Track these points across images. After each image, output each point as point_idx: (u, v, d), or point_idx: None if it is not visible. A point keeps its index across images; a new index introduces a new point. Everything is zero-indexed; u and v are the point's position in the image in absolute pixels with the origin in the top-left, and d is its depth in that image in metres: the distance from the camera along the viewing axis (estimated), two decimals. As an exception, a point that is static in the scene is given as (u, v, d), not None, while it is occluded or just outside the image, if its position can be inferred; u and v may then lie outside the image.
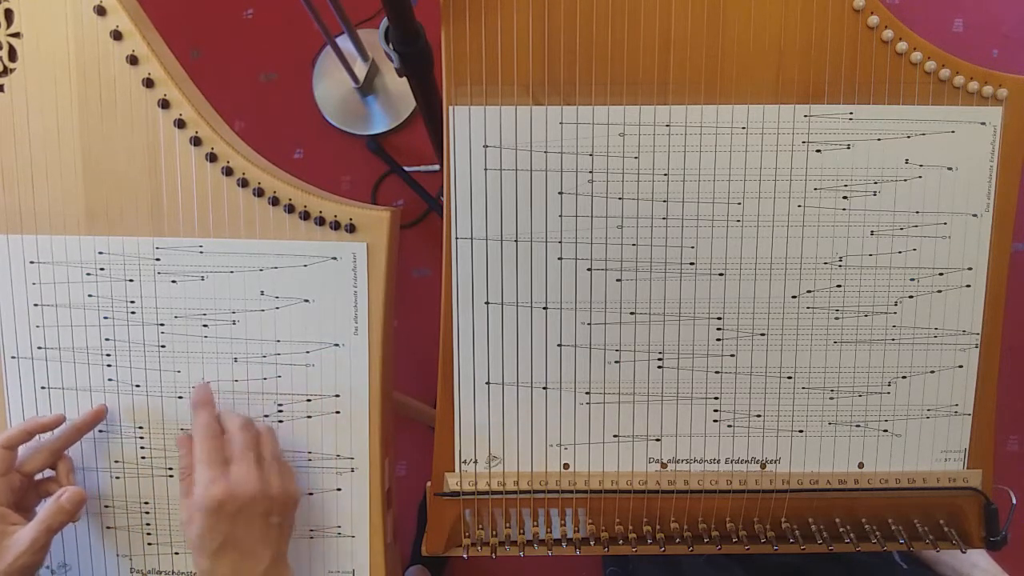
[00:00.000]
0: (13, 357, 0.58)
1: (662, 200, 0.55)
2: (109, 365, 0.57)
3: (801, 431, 0.57)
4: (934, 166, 0.55)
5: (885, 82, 0.54)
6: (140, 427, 0.58)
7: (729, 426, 0.57)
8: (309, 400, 0.57)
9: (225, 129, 0.56)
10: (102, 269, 0.56)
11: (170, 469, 0.58)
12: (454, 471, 0.58)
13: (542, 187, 0.54)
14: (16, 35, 0.55)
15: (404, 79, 0.61)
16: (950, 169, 0.55)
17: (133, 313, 0.57)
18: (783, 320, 0.56)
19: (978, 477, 0.58)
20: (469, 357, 0.56)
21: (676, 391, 0.57)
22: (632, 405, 0.57)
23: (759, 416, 0.57)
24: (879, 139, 0.54)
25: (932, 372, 0.57)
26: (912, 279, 0.56)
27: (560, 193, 0.55)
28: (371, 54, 1.35)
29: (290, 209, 0.55)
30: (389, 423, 0.59)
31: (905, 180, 0.55)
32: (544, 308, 0.56)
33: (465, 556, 0.58)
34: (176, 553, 0.59)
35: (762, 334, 0.56)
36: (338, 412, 0.57)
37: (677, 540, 0.58)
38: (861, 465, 0.58)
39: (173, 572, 0.59)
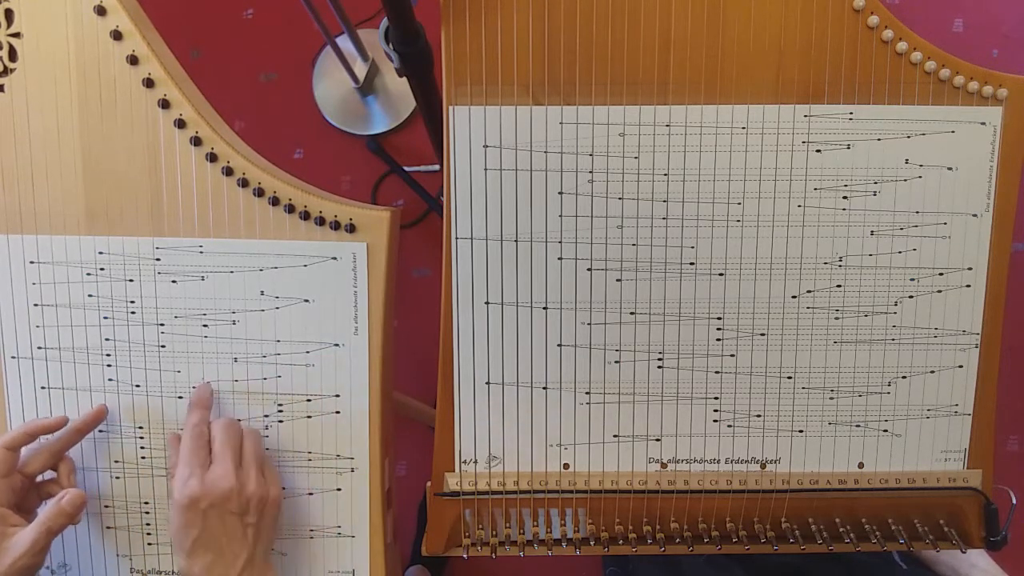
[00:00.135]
0: (13, 357, 0.58)
1: (662, 200, 0.55)
2: (109, 365, 0.57)
3: (801, 431, 0.57)
4: (934, 166, 0.55)
5: (885, 82, 0.54)
6: (140, 427, 0.58)
7: (729, 426, 0.57)
8: (309, 400, 0.57)
9: (225, 129, 0.56)
10: (102, 269, 0.56)
11: (170, 469, 0.58)
12: (454, 471, 0.58)
13: (542, 187, 0.54)
14: (16, 35, 0.55)
15: (404, 79, 0.61)
16: (950, 169, 0.55)
17: (133, 313, 0.57)
18: (783, 320, 0.56)
19: (978, 477, 0.58)
20: (469, 357, 0.56)
21: (676, 391, 0.57)
22: (632, 405, 0.57)
23: (759, 416, 0.57)
24: (879, 139, 0.54)
25: (932, 372, 0.57)
26: (912, 279, 0.56)
27: (560, 193, 0.55)
28: (371, 54, 1.35)
29: (290, 209, 0.55)
30: (389, 423, 0.59)
31: (905, 180, 0.55)
32: (544, 308, 0.56)
33: (465, 556, 0.58)
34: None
35: (762, 334, 0.56)
36: (338, 412, 0.57)
37: (677, 540, 0.58)
38: (861, 465, 0.58)
39: (173, 572, 0.59)
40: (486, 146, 0.54)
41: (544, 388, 0.57)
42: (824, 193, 0.55)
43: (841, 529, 0.58)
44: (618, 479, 0.58)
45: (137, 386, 0.57)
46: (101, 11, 0.54)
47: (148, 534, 0.59)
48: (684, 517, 0.58)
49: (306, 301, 0.56)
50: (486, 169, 0.54)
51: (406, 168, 1.34)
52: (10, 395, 0.58)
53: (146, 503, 0.59)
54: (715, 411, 0.57)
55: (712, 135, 0.54)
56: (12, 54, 0.55)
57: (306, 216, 0.55)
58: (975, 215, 0.56)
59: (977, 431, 0.58)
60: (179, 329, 0.57)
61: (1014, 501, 0.59)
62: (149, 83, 0.54)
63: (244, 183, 0.55)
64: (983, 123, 0.54)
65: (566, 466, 0.58)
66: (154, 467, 0.58)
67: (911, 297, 0.56)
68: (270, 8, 1.44)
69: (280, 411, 0.57)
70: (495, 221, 0.55)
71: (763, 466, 0.58)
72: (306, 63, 1.42)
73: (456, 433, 0.57)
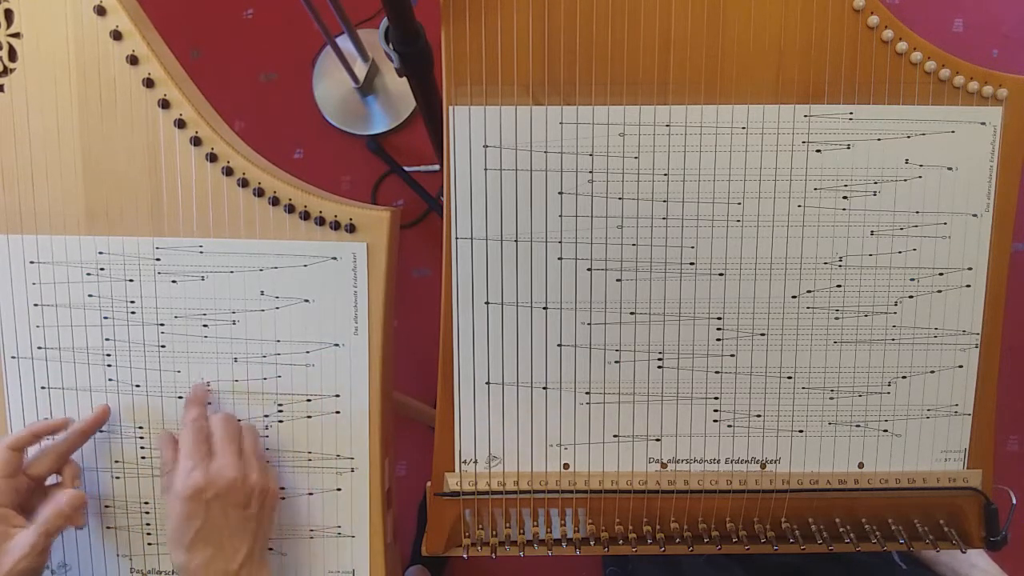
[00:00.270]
0: (13, 357, 0.58)
1: (662, 200, 0.55)
2: (109, 365, 0.57)
3: (801, 431, 0.57)
4: (934, 166, 0.55)
5: (885, 82, 0.54)
6: (140, 427, 0.58)
7: (729, 426, 0.57)
8: (309, 400, 0.57)
9: (225, 129, 0.56)
10: (102, 269, 0.56)
11: (170, 469, 0.58)
12: (454, 471, 0.58)
13: (542, 187, 0.54)
14: (16, 35, 0.55)
15: (404, 79, 0.61)
16: (950, 169, 0.55)
17: (133, 313, 0.57)
18: (783, 320, 0.56)
19: (978, 477, 0.58)
20: (469, 357, 0.56)
21: (676, 391, 0.57)
22: (632, 405, 0.57)
23: (759, 416, 0.57)
24: (879, 139, 0.54)
25: (932, 372, 0.57)
26: (912, 279, 0.56)
27: (560, 193, 0.55)
28: (371, 54, 1.35)
29: (290, 209, 0.55)
30: (389, 423, 0.59)
31: (905, 180, 0.55)
32: (544, 308, 0.56)
33: (465, 556, 0.58)
34: (176, 553, 0.59)
35: (762, 334, 0.56)
36: (338, 412, 0.57)
37: (677, 540, 0.58)
38: (861, 465, 0.58)
39: (173, 572, 0.59)
40: (486, 146, 0.54)
41: (544, 388, 0.57)
42: (824, 193, 0.55)
43: (841, 529, 0.58)
44: (618, 479, 0.58)
45: (137, 386, 0.57)
46: (101, 11, 0.54)
47: (148, 534, 0.59)
48: (684, 517, 0.58)
49: (306, 301, 0.56)
50: (486, 169, 0.54)
51: (406, 168, 1.34)
52: (10, 395, 0.58)
53: (146, 503, 0.59)
54: (715, 411, 0.57)
55: (712, 135, 0.54)
56: (12, 54, 0.55)
57: (306, 216, 0.55)
58: (975, 215, 0.56)
59: (977, 431, 0.58)
60: (179, 329, 0.57)
61: (1014, 501, 0.59)
62: (149, 83, 0.54)
63: (244, 183, 0.55)
64: (983, 123, 0.54)
65: (566, 466, 0.58)
66: (154, 467, 0.58)
67: (911, 297, 0.56)
68: (270, 8, 1.44)
69: (280, 411, 0.57)
70: (495, 221, 0.55)
71: (763, 466, 0.58)
72: (306, 63, 1.42)
73: (456, 433, 0.57)
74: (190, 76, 0.56)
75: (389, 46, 0.57)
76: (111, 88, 0.55)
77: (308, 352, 0.57)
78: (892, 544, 0.58)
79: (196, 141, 0.55)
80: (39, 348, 0.57)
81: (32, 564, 0.50)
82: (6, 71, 0.55)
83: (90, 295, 0.57)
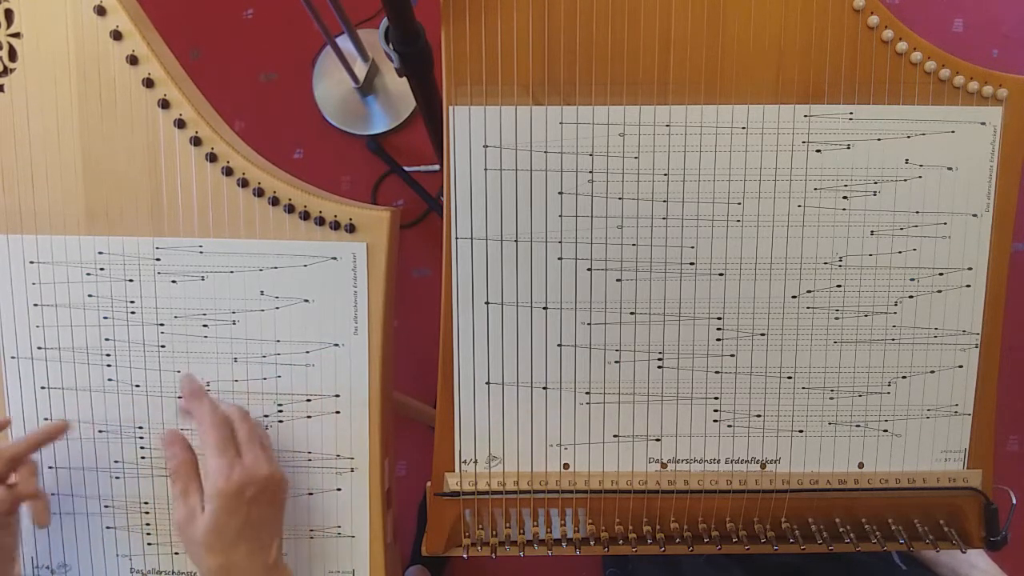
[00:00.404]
0: (13, 357, 0.58)
1: (662, 200, 0.55)
2: (109, 365, 0.57)
3: (801, 431, 0.57)
4: (934, 166, 0.55)
5: (885, 82, 0.54)
6: (140, 427, 0.58)
7: (729, 426, 0.57)
8: (309, 400, 0.57)
9: (225, 129, 0.56)
10: (102, 269, 0.56)
11: (170, 469, 0.58)
12: (454, 471, 0.58)
13: (542, 187, 0.54)
14: (16, 35, 0.55)
15: (404, 79, 0.61)
16: (950, 169, 0.55)
17: (133, 313, 0.57)
18: (783, 320, 0.56)
19: (978, 477, 0.58)
20: (469, 357, 0.56)
21: (676, 391, 0.57)
22: (632, 405, 0.57)
23: (759, 416, 0.57)
24: (879, 139, 0.54)
25: (932, 372, 0.57)
26: (912, 279, 0.56)
27: (560, 193, 0.54)
28: (371, 54, 1.35)
29: (290, 209, 0.55)
30: (389, 423, 0.59)
31: (905, 180, 0.55)
32: (544, 308, 0.56)
33: (465, 556, 0.58)
34: (176, 553, 0.59)
35: (762, 334, 0.56)
36: (338, 412, 0.57)
37: (677, 540, 0.58)
38: (861, 465, 0.58)
39: (173, 572, 0.59)
40: (486, 146, 0.54)
41: (544, 388, 0.57)
42: (824, 193, 0.55)
43: (841, 529, 0.58)
44: (618, 479, 0.58)
45: (137, 386, 0.57)
46: (101, 11, 0.54)
47: (148, 534, 0.59)
48: (684, 517, 0.58)
49: (306, 301, 0.56)
50: (486, 169, 0.54)
51: (406, 168, 1.34)
52: (10, 395, 0.58)
53: (146, 503, 0.59)
54: (715, 411, 0.57)
55: (712, 135, 0.54)
56: (12, 54, 0.55)
57: (306, 216, 0.55)
58: (975, 215, 0.56)
59: (977, 431, 0.58)
60: (179, 329, 0.57)
61: (1014, 501, 0.59)
62: (149, 83, 0.54)
63: (244, 183, 0.55)
64: (983, 123, 0.54)
65: (566, 466, 0.58)
66: (154, 467, 0.58)
67: (911, 297, 0.56)
68: (270, 8, 1.44)
69: (280, 411, 0.57)
70: (495, 221, 0.55)
71: (763, 466, 0.58)
72: (306, 63, 1.42)
73: (456, 433, 0.57)
74: (190, 76, 0.56)
75: (389, 46, 0.57)
76: (111, 88, 0.55)
77: (308, 352, 0.57)
78: (892, 544, 0.58)
79: (196, 141, 0.55)
80: (39, 348, 0.57)
81: None
82: (6, 71, 0.55)
83: (90, 295, 0.57)
